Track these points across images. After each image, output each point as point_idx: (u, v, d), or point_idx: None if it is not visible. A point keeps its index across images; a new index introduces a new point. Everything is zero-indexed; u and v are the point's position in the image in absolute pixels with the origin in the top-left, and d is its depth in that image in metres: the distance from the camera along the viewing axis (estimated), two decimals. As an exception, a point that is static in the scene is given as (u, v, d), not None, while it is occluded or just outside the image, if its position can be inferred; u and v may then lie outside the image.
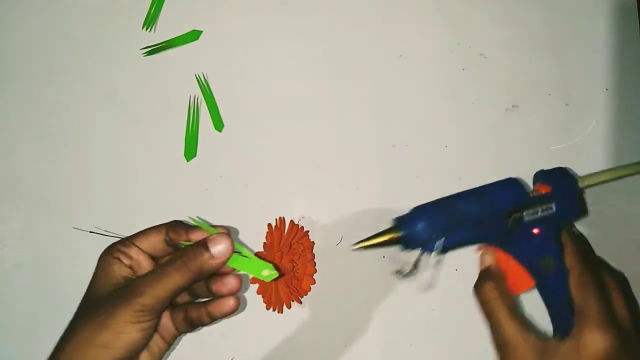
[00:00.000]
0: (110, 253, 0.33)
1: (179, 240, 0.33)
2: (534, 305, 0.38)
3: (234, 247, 0.32)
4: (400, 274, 0.35)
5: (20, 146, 0.49)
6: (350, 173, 0.49)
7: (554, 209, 0.33)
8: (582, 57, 0.52)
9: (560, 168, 0.36)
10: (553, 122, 0.51)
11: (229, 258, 0.31)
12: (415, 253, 0.33)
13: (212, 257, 0.31)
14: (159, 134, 0.49)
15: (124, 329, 0.30)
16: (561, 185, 0.35)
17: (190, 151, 0.49)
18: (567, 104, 0.51)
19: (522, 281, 0.34)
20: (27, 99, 0.49)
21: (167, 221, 0.35)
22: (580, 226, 0.47)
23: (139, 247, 0.34)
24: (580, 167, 0.50)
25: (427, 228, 0.32)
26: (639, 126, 0.51)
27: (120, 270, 0.33)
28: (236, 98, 0.50)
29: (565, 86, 0.51)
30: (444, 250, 0.32)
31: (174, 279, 0.30)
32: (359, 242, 0.34)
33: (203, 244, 0.31)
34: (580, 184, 0.36)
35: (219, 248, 0.31)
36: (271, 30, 0.51)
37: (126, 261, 0.33)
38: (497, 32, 0.52)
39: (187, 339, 0.46)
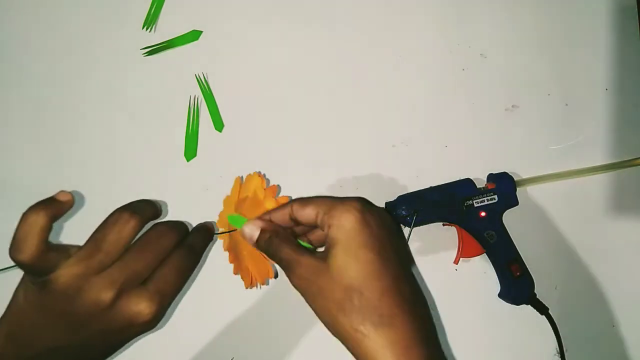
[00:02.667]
0: None
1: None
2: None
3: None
4: None
5: (20, 146, 0.49)
6: (350, 173, 0.49)
7: (497, 199, 0.46)
8: (582, 57, 0.52)
9: (504, 172, 0.48)
10: (553, 122, 0.51)
11: None
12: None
13: None
14: (159, 134, 0.49)
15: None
16: (503, 183, 0.47)
17: (190, 151, 0.49)
18: (567, 104, 0.51)
19: (475, 248, 0.47)
20: (27, 99, 0.50)
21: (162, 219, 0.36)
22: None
23: None
24: (580, 167, 0.50)
25: (405, 209, 0.45)
26: (639, 126, 0.51)
27: None
28: (236, 98, 0.50)
29: (565, 86, 0.51)
30: (418, 224, 0.45)
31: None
32: None
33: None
34: (518, 185, 0.47)
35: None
36: (271, 30, 0.51)
37: None
38: (497, 32, 0.52)
39: (187, 339, 0.46)
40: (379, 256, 0.32)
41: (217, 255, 0.45)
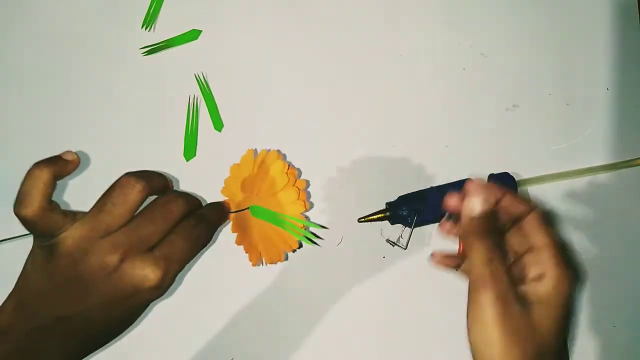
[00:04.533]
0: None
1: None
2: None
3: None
4: (391, 242, 0.47)
5: (20, 146, 0.49)
6: (351, 173, 0.49)
7: None
8: (583, 56, 0.52)
9: (505, 172, 0.47)
10: (553, 122, 0.51)
11: None
12: (400, 227, 0.47)
13: None
14: (158, 134, 0.49)
15: None
16: (504, 184, 0.46)
17: (190, 151, 0.49)
18: (567, 104, 0.51)
19: None
20: (27, 99, 0.49)
21: None
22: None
23: None
24: (581, 167, 0.50)
25: (406, 210, 0.45)
26: (640, 126, 0.51)
27: None
28: (236, 98, 0.50)
29: (566, 86, 0.51)
30: (418, 224, 0.45)
31: None
32: (362, 217, 0.46)
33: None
34: (519, 185, 0.47)
35: None
36: (271, 30, 0.51)
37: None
38: (497, 32, 0.52)
39: (187, 339, 0.46)
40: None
41: (217, 256, 0.45)
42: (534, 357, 0.29)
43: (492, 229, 0.32)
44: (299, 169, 0.48)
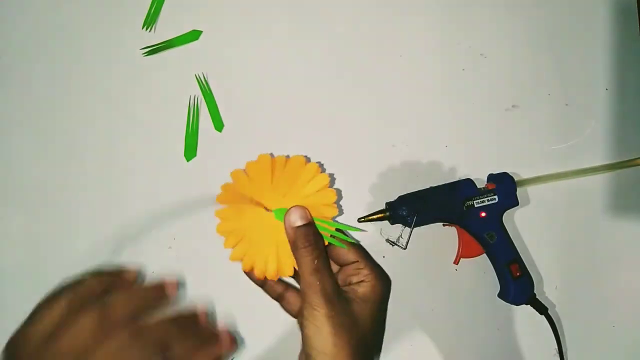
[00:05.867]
0: None
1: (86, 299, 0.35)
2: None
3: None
4: (390, 242, 0.47)
5: (20, 146, 0.49)
6: (351, 173, 0.49)
7: (497, 199, 0.46)
8: (582, 57, 0.52)
9: (505, 172, 0.48)
10: (553, 122, 0.51)
11: None
12: (399, 227, 0.47)
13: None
14: (159, 134, 0.49)
15: None
16: (503, 184, 0.47)
17: (190, 151, 0.49)
18: (567, 104, 0.51)
19: (475, 249, 0.47)
20: (27, 99, 0.49)
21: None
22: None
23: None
24: (580, 167, 0.50)
25: (405, 210, 0.45)
26: (639, 126, 0.51)
27: None
28: (236, 98, 0.50)
29: (565, 86, 0.51)
30: (418, 224, 0.45)
31: None
32: (362, 217, 0.47)
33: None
34: (518, 185, 0.47)
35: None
36: (271, 30, 0.51)
37: None
38: (497, 32, 0.52)
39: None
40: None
41: (218, 257, 0.45)
42: (358, 346, 0.36)
43: (315, 240, 0.38)
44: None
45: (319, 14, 0.51)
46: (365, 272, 0.40)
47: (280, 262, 0.40)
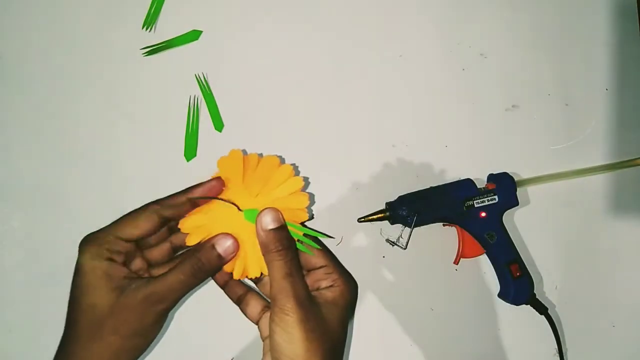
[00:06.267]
0: (98, 254, 0.33)
1: (179, 213, 0.37)
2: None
3: (238, 245, 0.37)
4: (390, 242, 0.47)
5: (20, 146, 0.49)
6: (351, 173, 0.49)
7: (497, 199, 0.46)
8: (582, 57, 0.52)
9: (504, 172, 0.48)
10: (553, 122, 0.51)
11: (234, 256, 0.37)
12: (399, 227, 0.47)
13: (219, 256, 0.36)
14: (159, 134, 0.49)
15: (150, 333, 0.35)
16: (503, 184, 0.47)
17: (190, 151, 0.49)
18: (567, 104, 0.51)
19: (475, 249, 0.47)
20: (27, 99, 0.49)
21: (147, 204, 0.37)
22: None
23: (124, 239, 0.35)
24: (580, 167, 0.50)
25: (405, 210, 0.45)
26: (639, 126, 0.51)
27: (116, 272, 0.34)
28: (236, 98, 0.50)
29: (565, 86, 0.51)
30: (418, 224, 0.45)
31: (190, 282, 0.35)
32: (362, 217, 0.47)
33: (211, 246, 0.36)
34: (518, 185, 0.47)
35: (226, 247, 0.36)
36: (271, 30, 0.51)
37: (119, 259, 0.34)
38: (497, 32, 0.52)
39: (187, 339, 0.46)
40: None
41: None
42: (329, 349, 0.36)
43: (288, 244, 0.37)
44: (295, 166, 0.48)
45: (319, 13, 0.51)
46: (334, 276, 0.39)
47: (247, 262, 0.38)
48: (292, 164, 0.40)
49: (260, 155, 0.40)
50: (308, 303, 0.36)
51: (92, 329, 0.32)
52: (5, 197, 0.48)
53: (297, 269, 0.36)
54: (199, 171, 0.49)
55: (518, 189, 0.47)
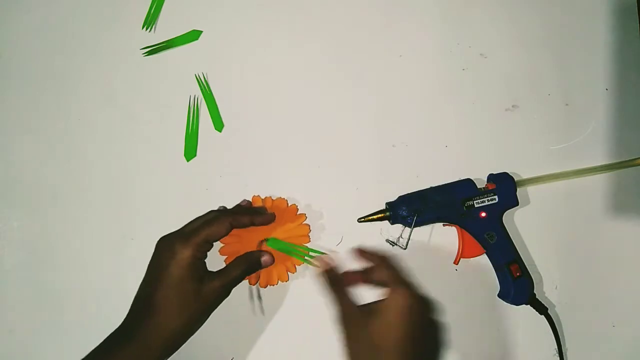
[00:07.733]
0: (192, 252, 0.39)
1: (242, 225, 0.43)
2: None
3: (274, 260, 0.45)
4: (390, 242, 0.48)
5: (20, 146, 0.49)
6: (350, 173, 0.49)
7: (497, 199, 0.46)
8: (582, 57, 0.52)
9: (504, 172, 0.48)
10: (553, 122, 0.51)
11: (269, 265, 0.45)
12: (399, 227, 0.48)
13: (260, 264, 0.44)
14: (159, 134, 0.49)
15: (208, 315, 0.42)
16: (503, 184, 0.47)
17: (190, 151, 0.49)
18: (567, 104, 0.51)
19: (475, 249, 0.47)
20: (27, 99, 0.50)
21: (212, 210, 0.44)
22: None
23: (210, 241, 0.41)
24: (580, 167, 0.50)
25: (406, 210, 0.46)
26: (639, 126, 0.51)
27: (201, 265, 0.41)
28: (236, 98, 0.50)
29: (565, 86, 0.51)
30: (418, 224, 0.46)
31: (241, 278, 0.42)
32: (362, 217, 0.47)
33: (258, 255, 0.44)
34: (518, 185, 0.47)
35: (265, 259, 0.44)
36: (271, 30, 0.51)
37: (203, 256, 0.41)
38: (497, 32, 0.52)
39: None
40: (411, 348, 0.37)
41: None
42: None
43: (335, 279, 0.42)
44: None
45: (319, 13, 0.51)
46: (389, 287, 0.41)
47: (269, 275, 0.46)
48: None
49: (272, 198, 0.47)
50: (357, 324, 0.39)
51: (181, 306, 0.39)
52: (5, 197, 0.48)
53: (349, 301, 0.41)
54: (199, 171, 0.49)
55: (518, 189, 0.47)
